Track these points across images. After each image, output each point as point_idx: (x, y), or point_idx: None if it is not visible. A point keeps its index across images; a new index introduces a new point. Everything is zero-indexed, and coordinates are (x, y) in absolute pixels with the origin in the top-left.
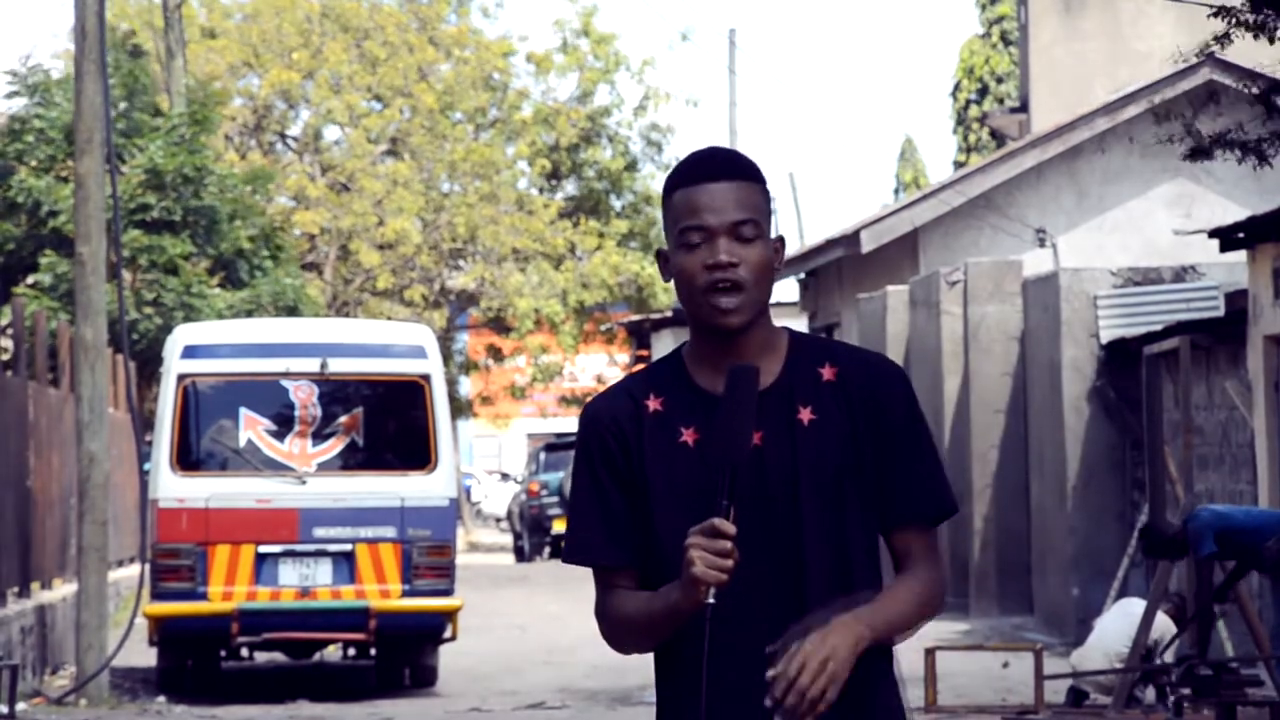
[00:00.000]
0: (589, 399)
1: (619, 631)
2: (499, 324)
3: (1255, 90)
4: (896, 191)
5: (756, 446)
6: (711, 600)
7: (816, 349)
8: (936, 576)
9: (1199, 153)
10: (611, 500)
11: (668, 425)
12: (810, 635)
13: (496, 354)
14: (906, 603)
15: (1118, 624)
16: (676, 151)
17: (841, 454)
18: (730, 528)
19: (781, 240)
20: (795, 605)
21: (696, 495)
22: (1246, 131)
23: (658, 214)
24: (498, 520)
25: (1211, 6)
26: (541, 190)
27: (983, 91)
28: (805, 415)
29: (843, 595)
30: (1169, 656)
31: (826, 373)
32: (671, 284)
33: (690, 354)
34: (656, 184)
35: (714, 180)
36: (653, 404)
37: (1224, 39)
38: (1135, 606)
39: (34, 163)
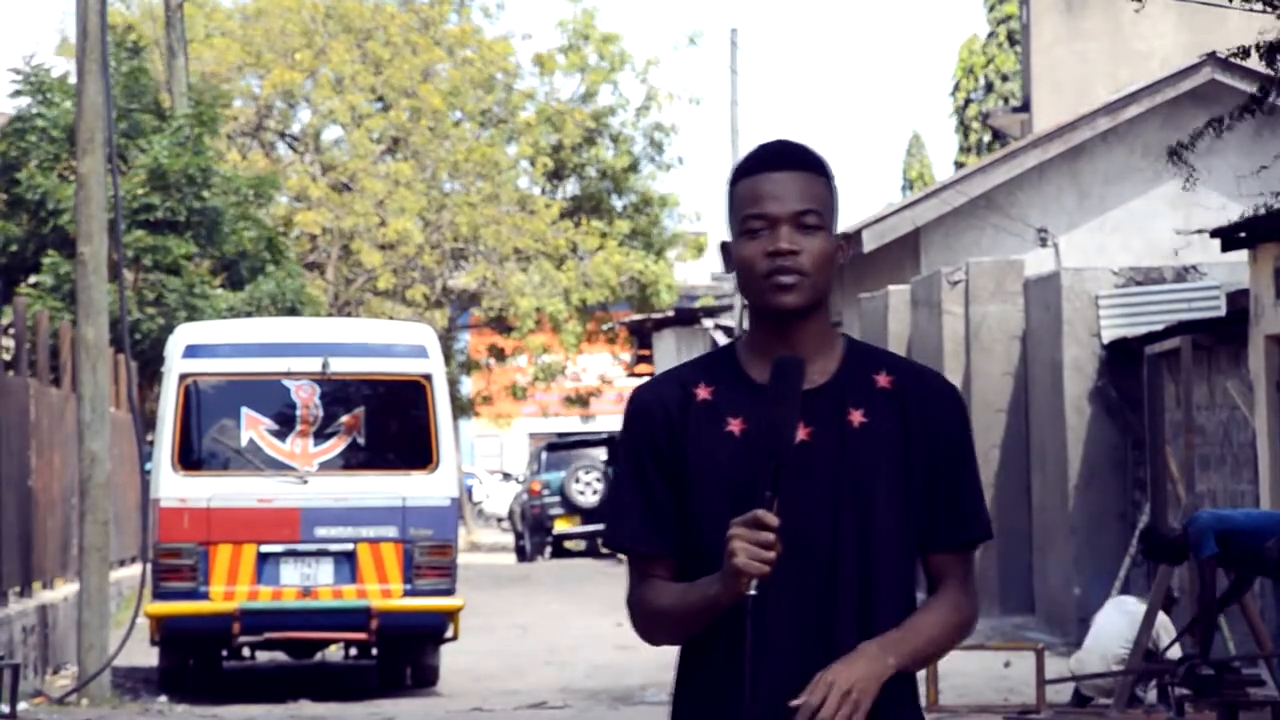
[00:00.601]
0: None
1: (651, 622)
2: (501, 323)
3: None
4: (904, 188)
5: (804, 443)
6: (753, 592)
7: (873, 356)
8: (969, 603)
9: (1176, 154)
10: (654, 488)
11: (715, 414)
12: (835, 664)
13: (498, 354)
14: (936, 631)
15: (1114, 624)
16: (679, 151)
17: (889, 461)
18: (773, 519)
19: (847, 239)
20: (825, 605)
21: (739, 486)
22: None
23: (660, 214)
24: (499, 520)
25: (1214, 9)
26: (543, 190)
27: (988, 90)
28: (856, 417)
29: (870, 601)
30: (1175, 653)
31: (882, 380)
32: (665, 287)
33: (745, 345)
34: (658, 184)
35: (778, 170)
36: (702, 392)
37: (1241, 53)
38: (1130, 605)
39: (36, 162)
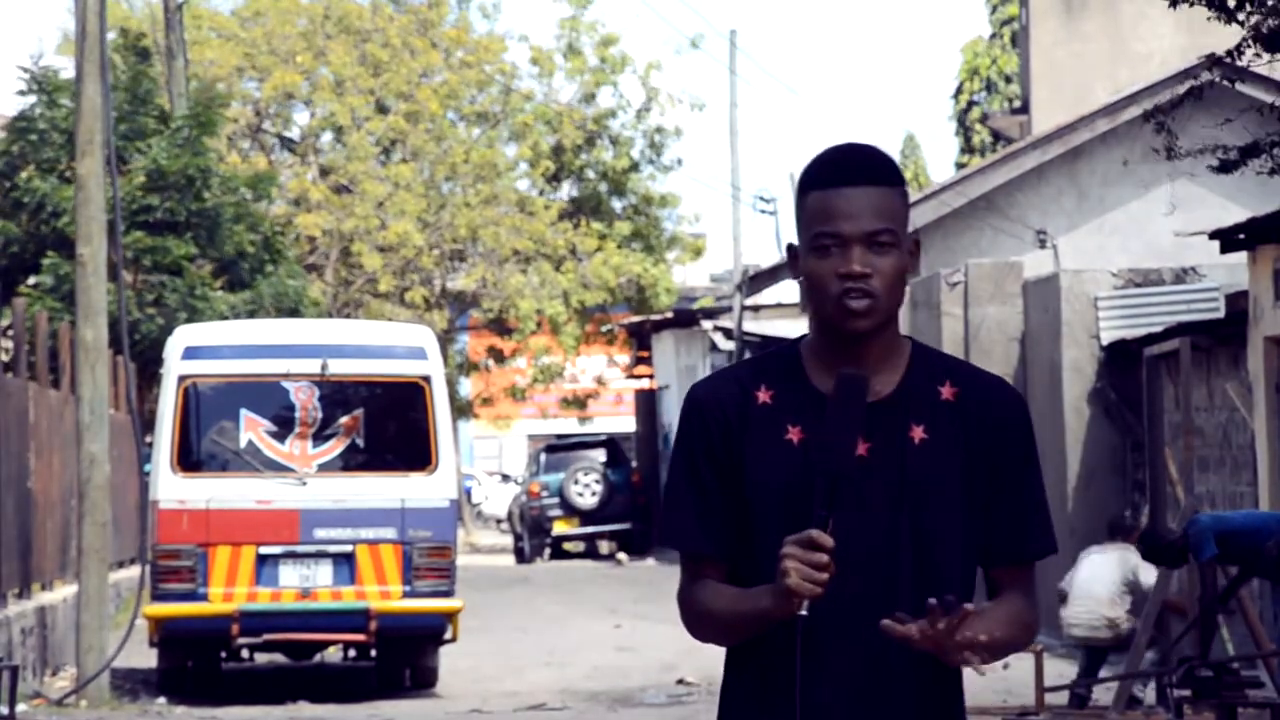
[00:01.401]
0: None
1: (701, 623)
2: (500, 325)
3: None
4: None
5: (863, 458)
6: (804, 612)
7: (939, 365)
8: (1031, 611)
9: (1228, 166)
10: (708, 488)
11: (775, 420)
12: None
13: (497, 355)
14: (1006, 624)
15: (1092, 571)
16: (679, 154)
17: (950, 477)
18: (828, 540)
19: (916, 242)
20: (877, 618)
21: (796, 495)
22: (1273, 146)
23: (660, 215)
24: (498, 521)
25: (1217, 16)
26: (542, 191)
27: (989, 91)
28: (918, 434)
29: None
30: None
31: (946, 392)
32: (664, 289)
33: (808, 350)
34: (658, 185)
35: (852, 185)
36: (762, 396)
37: (1237, 52)
38: (1096, 554)
39: (36, 164)
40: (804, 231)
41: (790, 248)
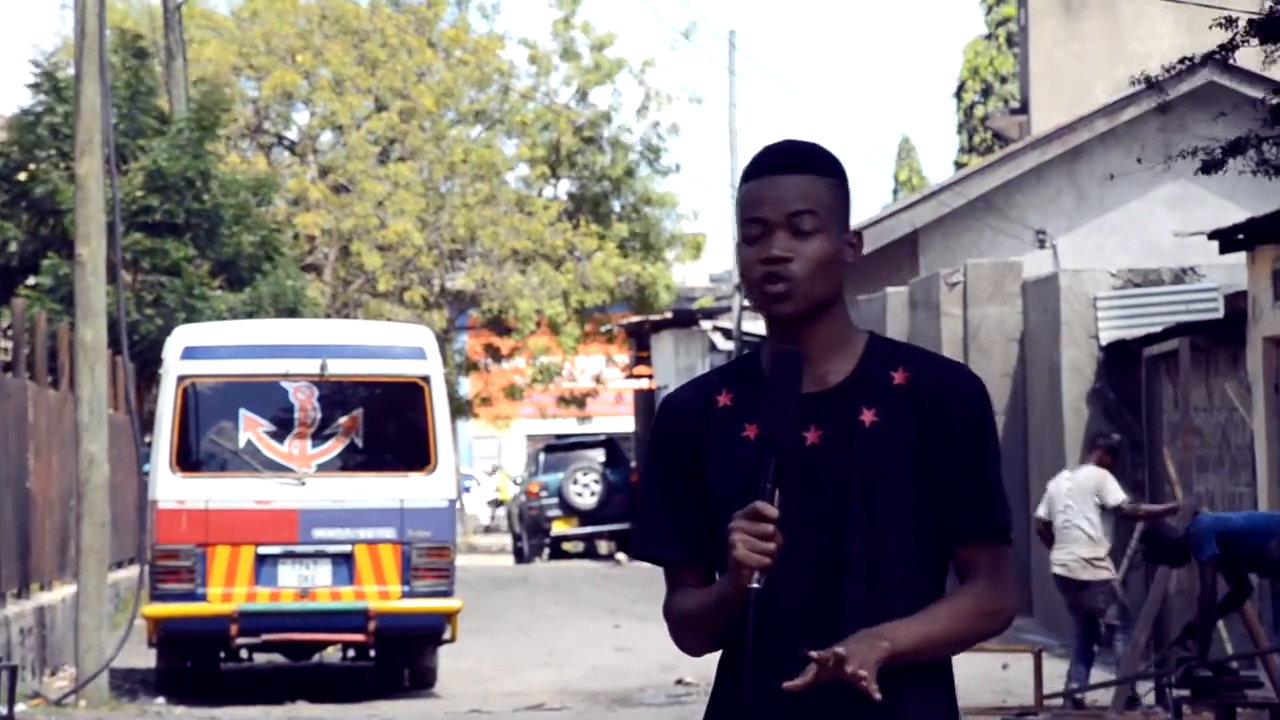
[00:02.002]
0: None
1: (680, 628)
2: (498, 325)
3: (1261, 98)
4: (895, 191)
5: (814, 445)
6: (755, 585)
7: (894, 353)
8: (997, 593)
9: (1211, 166)
10: (678, 496)
11: (733, 420)
12: (831, 648)
13: (494, 354)
14: (951, 619)
15: (1067, 515)
16: (678, 154)
17: (901, 460)
18: (772, 511)
19: (858, 235)
20: (831, 607)
21: (755, 490)
22: (1260, 142)
23: (658, 216)
24: (492, 514)
25: (1214, 10)
26: (540, 191)
27: (987, 92)
28: (868, 417)
29: (880, 602)
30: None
31: (898, 377)
32: (663, 288)
33: (766, 350)
34: (657, 186)
35: (777, 173)
36: (722, 399)
37: (1230, 47)
38: (1066, 482)
39: (44, 156)
40: (738, 224)
41: (738, 247)
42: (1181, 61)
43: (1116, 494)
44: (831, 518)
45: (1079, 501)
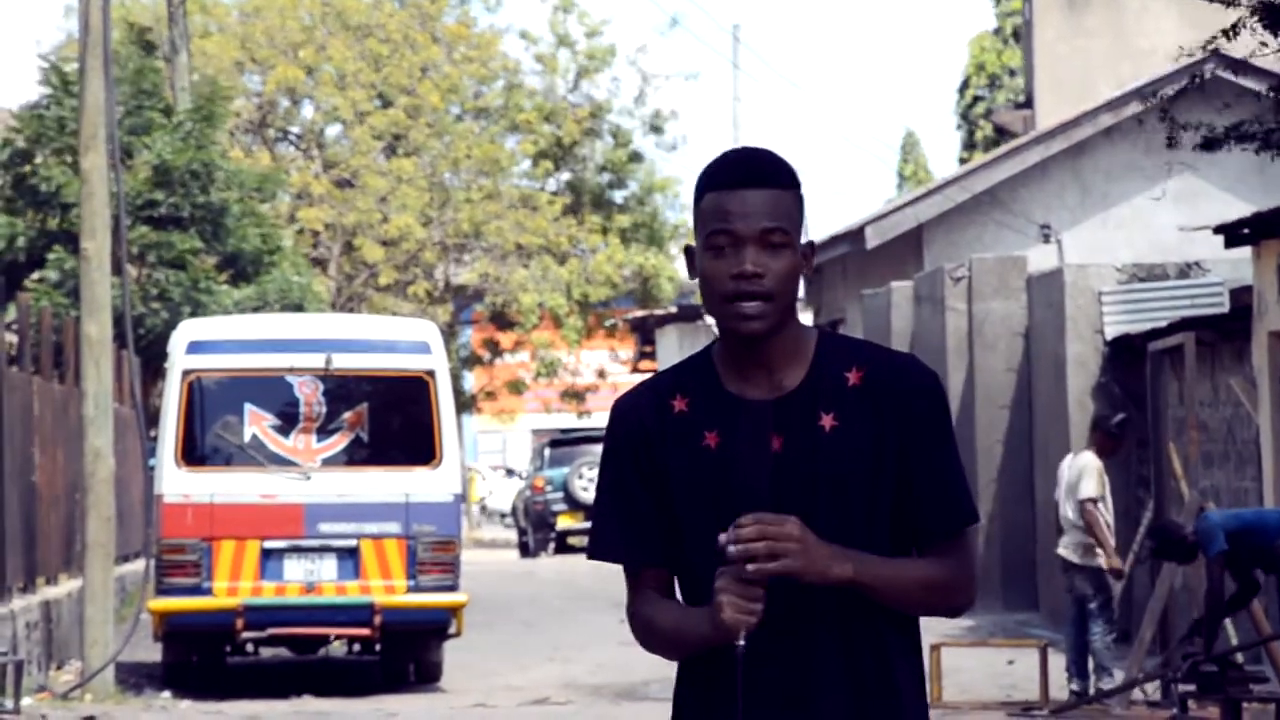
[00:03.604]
0: (589, 394)
1: (649, 639)
2: (501, 319)
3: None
4: (899, 186)
5: (776, 453)
6: (742, 643)
7: (844, 352)
8: (959, 576)
9: (1212, 144)
10: (636, 498)
11: (692, 427)
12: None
13: (494, 349)
14: (913, 573)
15: (1062, 492)
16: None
17: (863, 462)
18: (764, 579)
19: (811, 246)
20: (804, 612)
21: (721, 498)
22: (1259, 124)
23: (661, 205)
24: (502, 516)
25: (1218, 6)
26: (543, 186)
27: (993, 86)
28: (828, 422)
29: (852, 609)
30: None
31: (853, 377)
32: (666, 279)
33: (719, 355)
34: (660, 171)
35: (745, 186)
36: (678, 404)
37: (1232, 31)
38: (1066, 468)
39: (48, 154)
40: (700, 232)
41: (688, 249)
42: (1187, 71)
43: (1087, 488)
44: (801, 521)
45: (1068, 487)
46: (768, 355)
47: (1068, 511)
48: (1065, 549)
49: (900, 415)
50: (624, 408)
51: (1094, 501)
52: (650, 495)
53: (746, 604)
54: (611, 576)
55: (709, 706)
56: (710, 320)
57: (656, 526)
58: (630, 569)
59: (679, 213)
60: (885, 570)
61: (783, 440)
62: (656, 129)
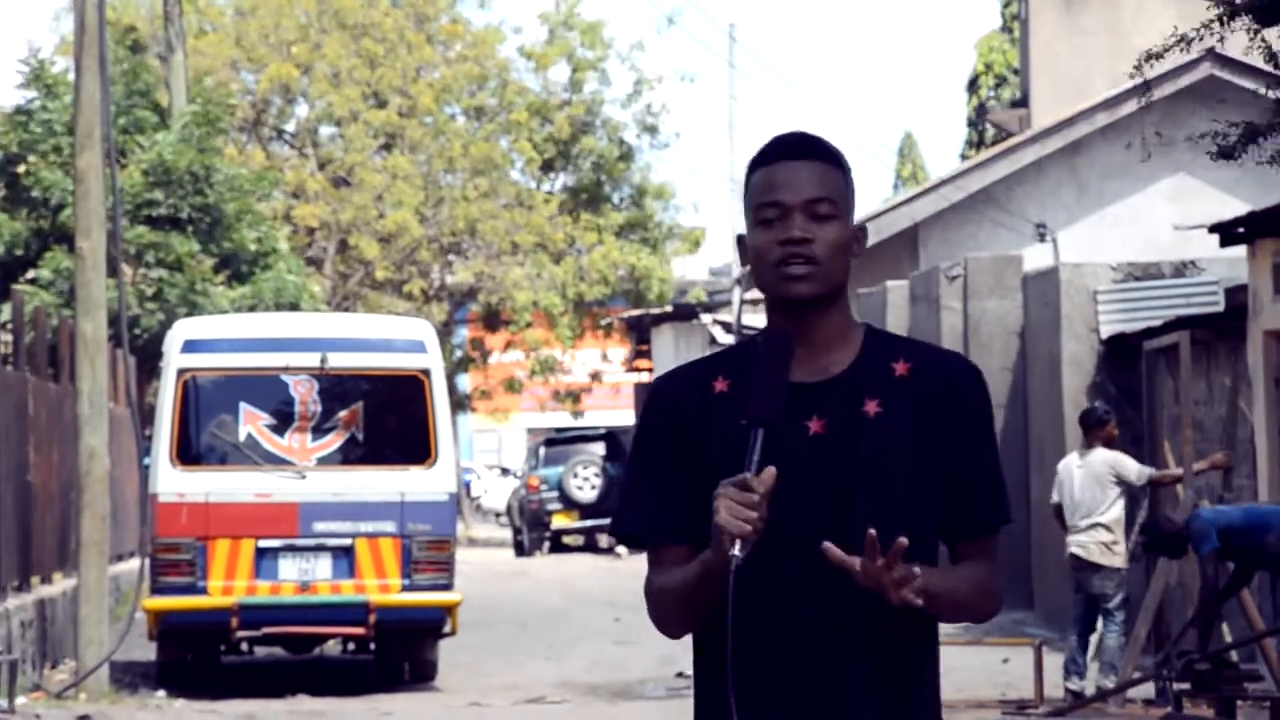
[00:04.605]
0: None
1: (659, 605)
2: (493, 318)
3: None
4: (896, 187)
5: (818, 435)
6: (736, 553)
7: (893, 344)
8: (991, 577)
9: (1227, 153)
10: (667, 476)
11: (733, 407)
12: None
13: (482, 350)
14: (964, 582)
15: (1083, 494)
16: (675, 142)
17: (905, 451)
18: (760, 484)
19: (863, 229)
20: (834, 601)
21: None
22: (1270, 131)
23: (654, 205)
24: (497, 515)
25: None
26: (539, 184)
27: (1000, 85)
28: (872, 408)
29: (885, 617)
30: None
31: (900, 368)
32: (658, 280)
33: (760, 337)
34: (654, 174)
35: (793, 159)
36: (719, 385)
37: (1227, 20)
38: (1078, 469)
39: (38, 156)
40: (749, 210)
41: (740, 238)
42: (1177, 42)
43: (1138, 470)
44: (838, 507)
45: (1093, 487)
46: (814, 334)
47: (1096, 505)
48: (1081, 548)
49: (946, 410)
50: (663, 388)
51: (1153, 474)
52: (683, 475)
53: (742, 509)
54: (607, 575)
55: (724, 696)
56: (706, 319)
57: (684, 506)
58: (652, 545)
59: (674, 215)
60: (945, 580)
61: (824, 423)
62: (651, 129)
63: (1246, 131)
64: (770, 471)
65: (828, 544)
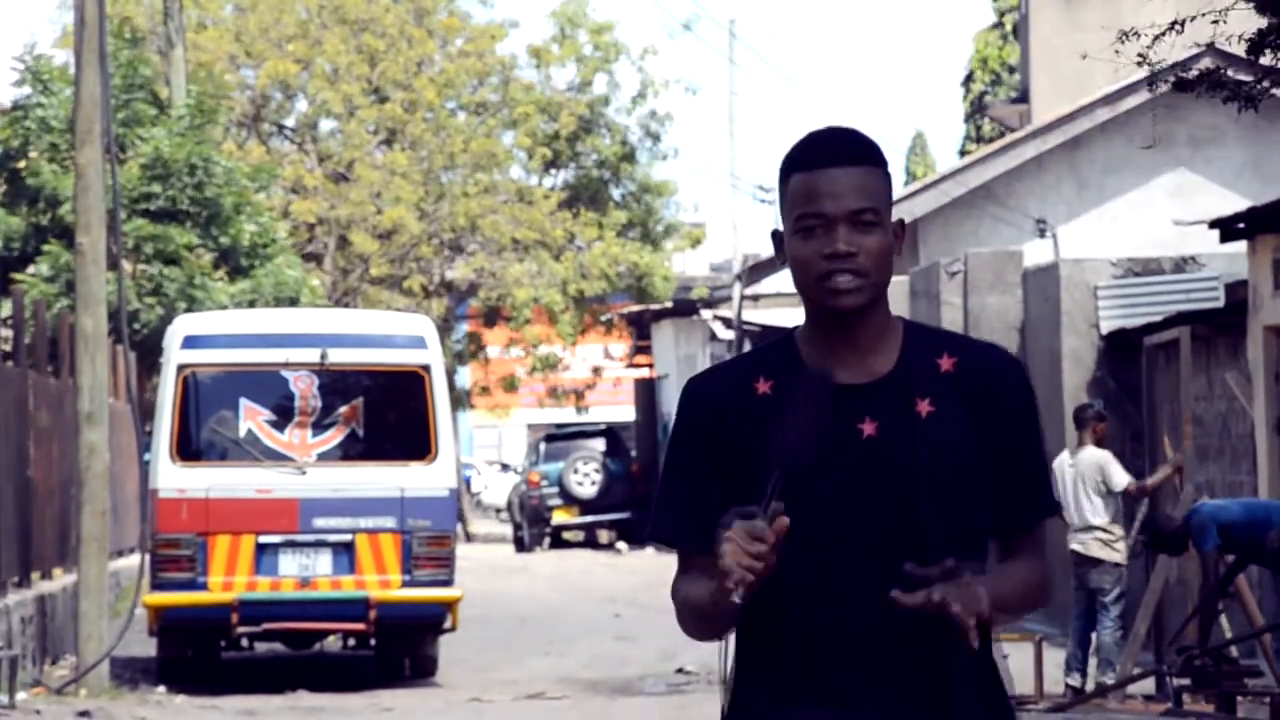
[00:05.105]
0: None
1: (682, 614)
2: (493, 314)
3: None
4: (906, 184)
5: (872, 437)
6: (738, 599)
7: (933, 339)
8: (1042, 568)
9: (1185, 85)
10: (703, 482)
11: (777, 408)
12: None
13: (478, 345)
14: (1019, 584)
15: (1073, 490)
16: (676, 141)
17: (960, 450)
18: (770, 534)
19: (902, 224)
20: (892, 638)
21: (805, 480)
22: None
23: (657, 203)
24: (498, 511)
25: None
26: (540, 180)
27: (996, 82)
28: (924, 408)
29: (930, 629)
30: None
31: (945, 363)
32: (660, 278)
33: (803, 336)
34: (655, 173)
35: (834, 165)
36: (762, 386)
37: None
38: (1069, 466)
39: (37, 151)
40: (788, 215)
41: (775, 234)
42: (1171, 26)
43: (1121, 478)
44: (901, 509)
45: (1082, 485)
46: (859, 336)
47: (1085, 509)
48: (1081, 544)
49: (995, 404)
50: (698, 391)
51: (1133, 482)
52: (717, 480)
53: (747, 557)
54: (607, 571)
55: (766, 686)
56: (707, 315)
57: (717, 513)
58: (686, 552)
59: (675, 212)
60: (1003, 587)
61: (877, 425)
62: (653, 135)
63: (1206, 72)
64: (783, 522)
65: (896, 593)
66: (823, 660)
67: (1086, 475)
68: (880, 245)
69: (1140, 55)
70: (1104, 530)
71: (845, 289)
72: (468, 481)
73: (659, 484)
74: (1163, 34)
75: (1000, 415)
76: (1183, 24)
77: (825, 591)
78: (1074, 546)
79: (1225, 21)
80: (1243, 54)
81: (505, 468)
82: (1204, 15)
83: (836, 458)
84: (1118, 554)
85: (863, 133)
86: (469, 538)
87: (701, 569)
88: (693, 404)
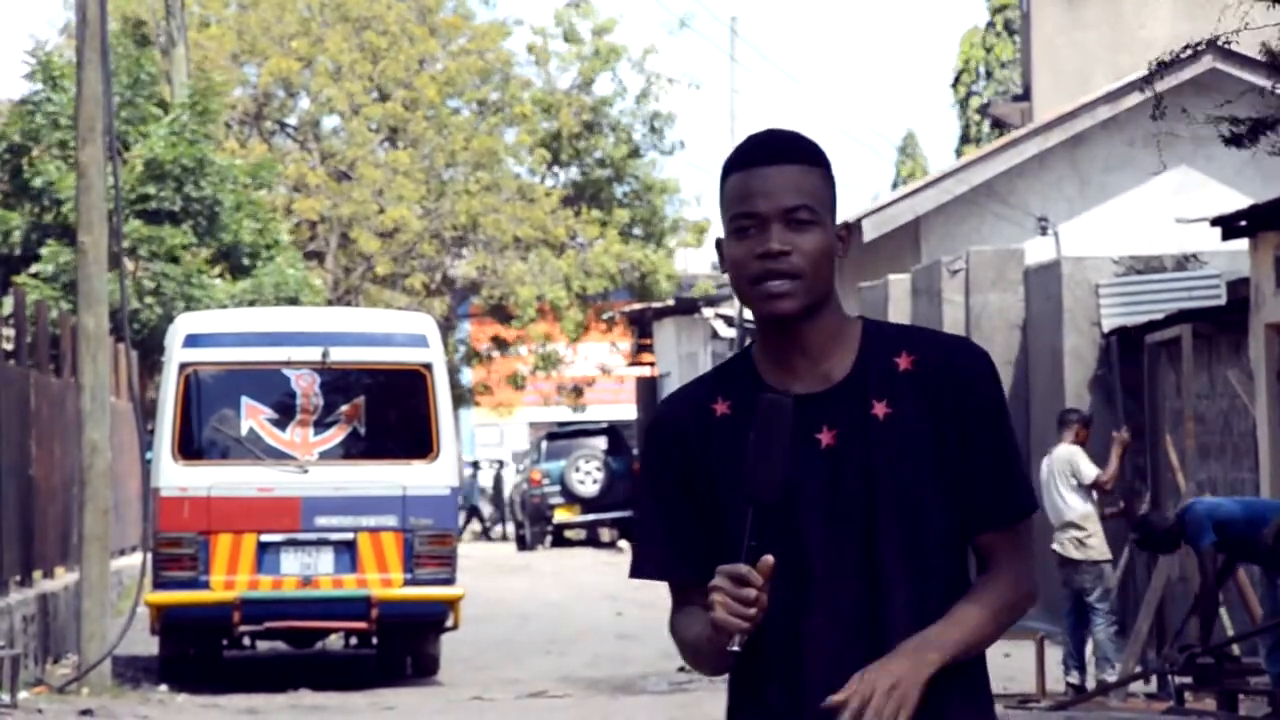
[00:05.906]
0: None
1: (684, 653)
2: (500, 312)
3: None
4: (895, 185)
5: (831, 446)
6: (735, 648)
7: (892, 337)
8: (1021, 579)
9: (1239, 140)
10: (678, 512)
11: (736, 429)
12: (872, 665)
13: (500, 344)
14: (980, 618)
15: (1048, 491)
16: (679, 137)
17: (921, 451)
18: (757, 577)
19: (848, 227)
20: (871, 613)
21: (774, 509)
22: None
23: (660, 202)
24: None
25: None
26: (543, 178)
27: (987, 77)
28: (880, 410)
29: (924, 599)
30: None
31: (903, 362)
32: (664, 277)
33: (758, 351)
34: (659, 172)
35: (768, 164)
36: (720, 408)
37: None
38: (1045, 463)
39: (42, 148)
40: (724, 217)
41: (719, 241)
42: (1185, 48)
43: (1089, 471)
44: (862, 516)
45: (1055, 481)
46: (808, 342)
47: (1060, 506)
48: (1059, 544)
49: (956, 400)
50: (663, 418)
51: (1102, 477)
52: (693, 507)
53: (739, 606)
54: (608, 570)
55: (762, 697)
56: (709, 313)
57: (696, 543)
58: (675, 586)
59: (677, 208)
60: (959, 633)
61: (835, 433)
62: (656, 131)
63: (1260, 120)
64: (767, 560)
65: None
66: (812, 694)
67: (1058, 471)
68: (817, 245)
69: (1144, 81)
70: (1077, 527)
71: (778, 293)
72: (498, 481)
73: (636, 521)
74: (1170, 62)
75: (963, 411)
76: (1196, 48)
77: (808, 623)
78: (1054, 546)
79: (1238, 42)
80: (1242, 54)
81: (501, 466)
82: (1215, 34)
83: (800, 474)
84: (1093, 551)
85: (802, 134)
86: (523, 541)
87: (693, 602)
88: (657, 435)
